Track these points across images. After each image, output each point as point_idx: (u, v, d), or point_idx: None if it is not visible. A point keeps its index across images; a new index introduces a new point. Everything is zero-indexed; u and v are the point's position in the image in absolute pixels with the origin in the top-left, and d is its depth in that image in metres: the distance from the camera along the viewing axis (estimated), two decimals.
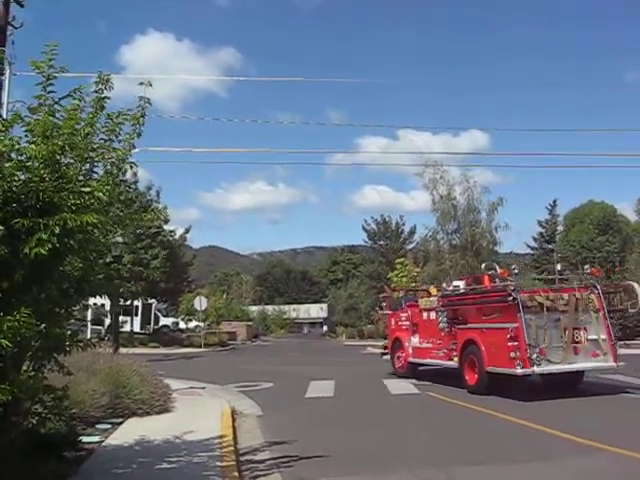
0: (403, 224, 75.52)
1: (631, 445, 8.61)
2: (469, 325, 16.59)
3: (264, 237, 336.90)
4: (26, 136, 6.02)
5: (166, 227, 41.74)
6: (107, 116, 6.55)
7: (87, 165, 6.41)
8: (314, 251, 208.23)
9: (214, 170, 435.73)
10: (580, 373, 15.75)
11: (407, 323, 20.24)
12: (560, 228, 64.68)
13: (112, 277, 7.79)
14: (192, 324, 49.75)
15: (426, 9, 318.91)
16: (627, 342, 37.26)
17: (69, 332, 6.79)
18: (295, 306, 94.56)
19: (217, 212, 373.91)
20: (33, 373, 6.33)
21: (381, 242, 75.63)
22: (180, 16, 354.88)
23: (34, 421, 6.94)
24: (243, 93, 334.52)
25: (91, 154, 6.38)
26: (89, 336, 31.41)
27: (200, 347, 39.61)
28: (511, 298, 14.86)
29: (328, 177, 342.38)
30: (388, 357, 21.18)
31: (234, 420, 11.33)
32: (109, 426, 10.10)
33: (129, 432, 9.73)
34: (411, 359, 19.51)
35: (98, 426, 9.96)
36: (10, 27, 16.61)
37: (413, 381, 17.63)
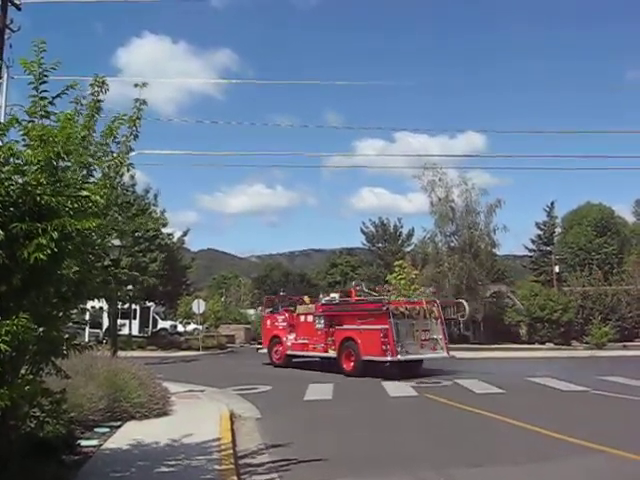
0: (401, 226, 75.58)
1: (625, 443, 8.65)
2: (346, 326, 22.27)
3: (262, 240, 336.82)
4: (23, 140, 6.01)
5: (164, 230, 41.69)
6: (107, 130, 6.53)
7: (85, 171, 6.40)
8: (312, 254, 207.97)
9: (212, 173, 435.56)
10: (421, 361, 22.08)
11: (284, 324, 25.65)
12: (558, 230, 64.74)
13: (110, 280, 7.79)
14: (190, 327, 49.63)
15: (424, 10, 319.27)
16: (626, 344, 37.41)
17: (67, 335, 6.77)
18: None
19: (215, 215, 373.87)
20: (31, 377, 6.31)
21: (379, 244, 75.68)
22: (176, 19, 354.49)
23: (32, 425, 6.91)
24: (240, 95, 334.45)
25: (89, 159, 6.36)
26: (87, 339, 31.44)
27: (198, 350, 39.50)
28: (384, 308, 21.12)
29: (326, 180, 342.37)
30: (264, 350, 26.68)
31: (233, 423, 11.31)
32: (107, 430, 10.08)
33: (127, 436, 9.70)
34: (289, 352, 24.89)
35: (96, 430, 9.94)
36: (8, 30, 16.62)
37: (412, 383, 17.65)
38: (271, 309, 27.90)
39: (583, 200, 67.10)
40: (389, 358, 20.23)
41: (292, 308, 26.05)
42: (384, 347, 20.17)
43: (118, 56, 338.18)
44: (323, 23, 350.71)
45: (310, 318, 24.29)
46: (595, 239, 56.74)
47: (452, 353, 22.36)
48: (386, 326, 20.51)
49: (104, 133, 6.55)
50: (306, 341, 24.15)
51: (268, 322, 27.09)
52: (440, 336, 22.14)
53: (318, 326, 23.64)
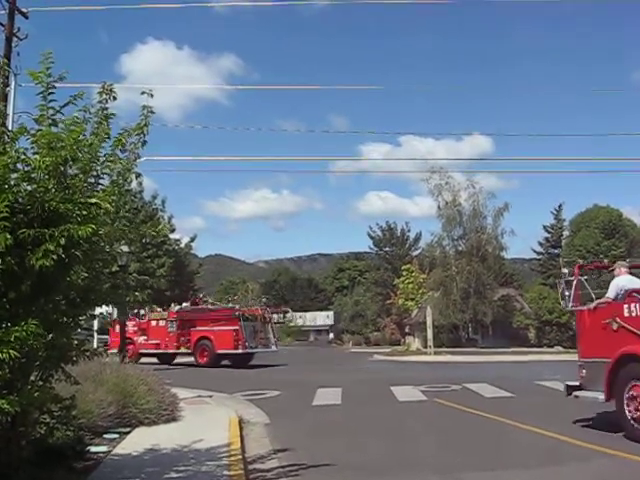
0: (408, 230, 75.62)
1: (637, 447, 8.61)
2: (200, 328, 29.39)
3: (269, 245, 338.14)
4: (32, 148, 6.03)
5: (172, 236, 41.81)
6: (116, 141, 6.57)
7: (93, 179, 6.41)
8: (319, 258, 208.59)
9: (218, 179, 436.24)
10: (253, 354, 29.71)
11: (135, 328, 31.48)
12: (566, 233, 64.58)
13: (118, 286, 7.79)
14: None
15: (428, 14, 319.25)
16: None
17: (76, 342, 6.79)
18: (301, 314, 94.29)
19: (222, 220, 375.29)
20: (41, 383, 6.33)
21: (387, 249, 75.63)
22: (179, 24, 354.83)
23: (42, 431, 6.93)
24: (246, 100, 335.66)
25: (96, 166, 6.38)
26: (96, 345, 31.81)
27: None
28: (236, 314, 28.69)
29: (332, 184, 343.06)
30: (115, 351, 32.45)
31: (242, 429, 11.29)
32: (117, 436, 10.08)
33: (137, 442, 9.71)
34: (142, 351, 30.29)
35: (106, 436, 9.94)
36: (15, 38, 16.74)
37: (421, 388, 17.61)
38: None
39: (591, 203, 66.94)
40: (240, 351, 27.81)
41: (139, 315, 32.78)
42: (236, 343, 27.62)
43: (122, 62, 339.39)
44: (328, 27, 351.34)
45: (162, 323, 30.84)
46: (603, 241, 56.55)
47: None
48: (237, 327, 28.06)
49: (114, 144, 6.57)
50: (158, 341, 30.66)
51: (117, 327, 32.22)
52: (270, 335, 30.78)
53: (170, 329, 30.34)
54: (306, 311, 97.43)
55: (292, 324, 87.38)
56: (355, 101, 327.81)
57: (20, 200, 5.80)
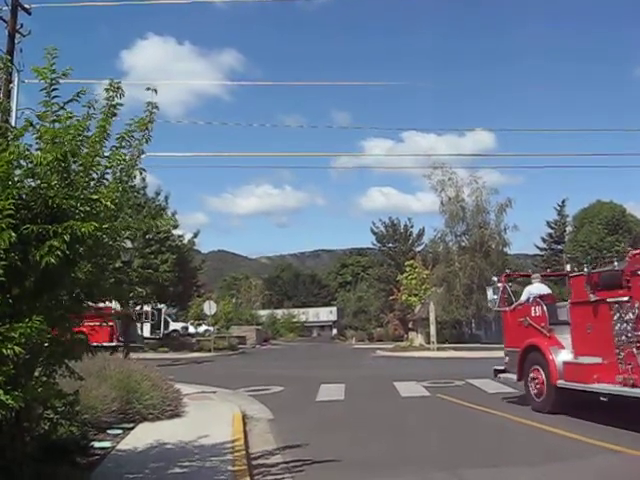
0: (411, 226, 75.46)
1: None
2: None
3: (272, 241, 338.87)
4: (37, 143, 6.03)
5: (175, 232, 41.81)
6: (120, 139, 6.56)
7: (96, 175, 6.40)
8: (322, 254, 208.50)
9: (221, 174, 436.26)
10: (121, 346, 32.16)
11: None
12: (569, 228, 64.39)
13: (122, 281, 7.79)
14: (202, 328, 49.86)
15: (431, 11, 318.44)
16: None
17: (80, 337, 6.80)
18: (304, 310, 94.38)
19: (225, 216, 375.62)
20: (45, 379, 6.34)
21: (390, 244, 75.51)
22: (180, 20, 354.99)
23: (46, 427, 6.94)
24: (248, 96, 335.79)
25: (100, 160, 6.37)
26: None
27: (210, 351, 39.66)
28: (112, 311, 29.95)
29: (334, 180, 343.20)
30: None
31: (245, 424, 11.32)
32: (120, 431, 10.10)
33: (140, 437, 9.73)
34: None
35: (109, 431, 9.96)
36: (18, 35, 16.73)
37: (424, 383, 17.61)
38: None
39: (594, 198, 66.68)
40: (114, 343, 30.97)
41: None
42: (111, 336, 31.81)
43: (123, 58, 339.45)
44: (329, 23, 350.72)
45: None
46: (606, 237, 56.35)
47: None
48: (112, 323, 30.90)
49: (118, 141, 6.56)
50: None
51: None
52: (137, 332, 37.46)
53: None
54: (309, 307, 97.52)
55: (295, 320, 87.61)
56: (358, 97, 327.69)
57: (24, 196, 5.80)
